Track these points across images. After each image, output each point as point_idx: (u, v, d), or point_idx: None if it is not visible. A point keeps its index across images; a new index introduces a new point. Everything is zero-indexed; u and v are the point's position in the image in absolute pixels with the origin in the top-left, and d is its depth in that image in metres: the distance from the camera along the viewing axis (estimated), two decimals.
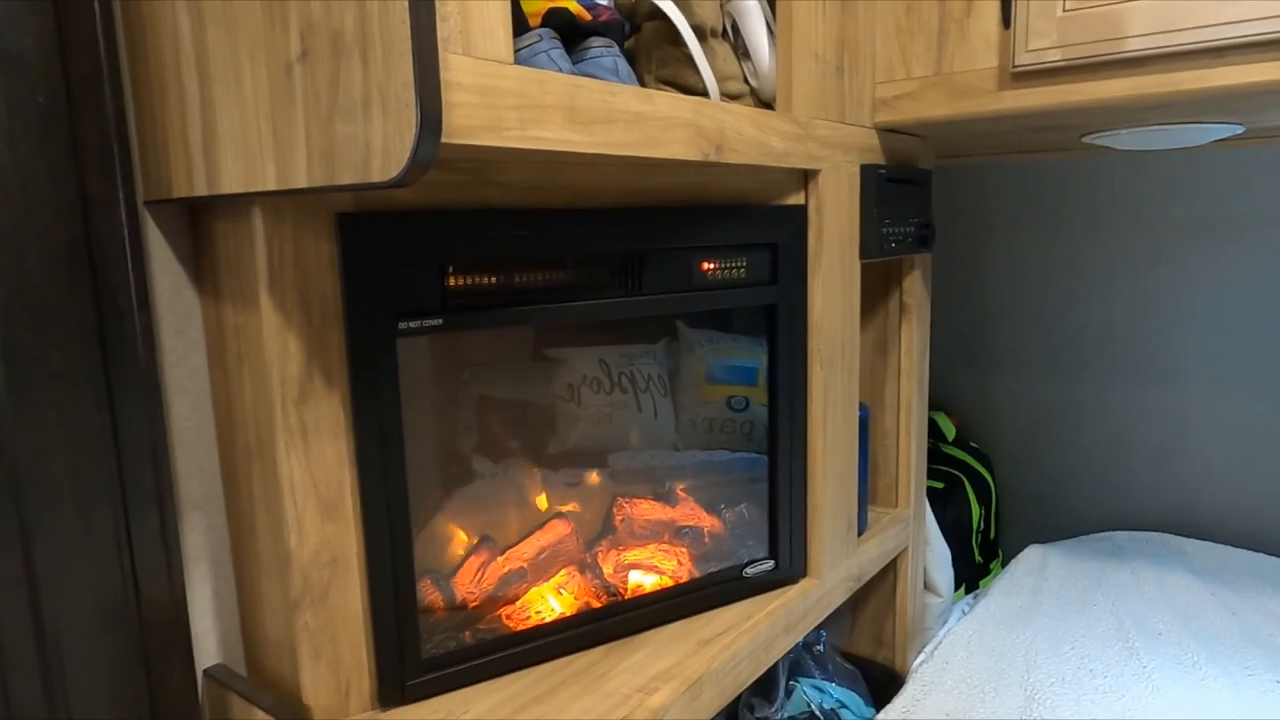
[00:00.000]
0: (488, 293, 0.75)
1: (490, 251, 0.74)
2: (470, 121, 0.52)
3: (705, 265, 0.86)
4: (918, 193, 1.11)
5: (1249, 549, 1.55)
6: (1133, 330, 1.63)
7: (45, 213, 0.58)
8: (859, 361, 1.04)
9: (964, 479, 1.66)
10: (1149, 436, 1.64)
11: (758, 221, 0.89)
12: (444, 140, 0.50)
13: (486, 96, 0.53)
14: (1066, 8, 0.85)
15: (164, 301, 0.71)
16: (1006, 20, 0.90)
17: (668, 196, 0.84)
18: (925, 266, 1.21)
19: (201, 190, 0.63)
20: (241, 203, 0.66)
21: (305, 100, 0.53)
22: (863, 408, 1.09)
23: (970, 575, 1.64)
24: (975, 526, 1.65)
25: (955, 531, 1.62)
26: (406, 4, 0.45)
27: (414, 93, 0.46)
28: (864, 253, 1.00)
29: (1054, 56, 0.87)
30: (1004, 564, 1.73)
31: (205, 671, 0.76)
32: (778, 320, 0.92)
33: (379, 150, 0.49)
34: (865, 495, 1.14)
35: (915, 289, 1.18)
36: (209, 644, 0.77)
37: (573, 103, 0.59)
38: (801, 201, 0.93)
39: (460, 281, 0.73)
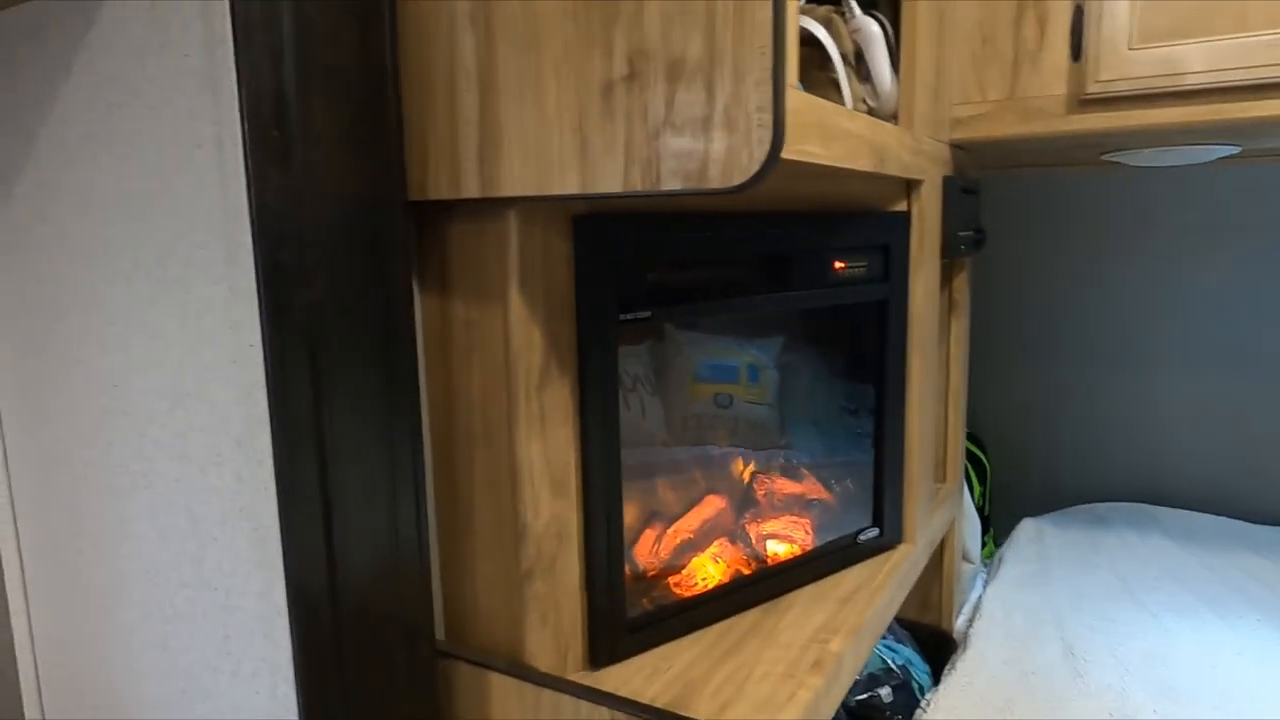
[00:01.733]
0: (678, 286, 0.83)
1: (684, 251, 0.82)
2: None
3: (837, 264, 0.97)
4: (974, 201, 1.24)
5: (1211, 513, 1.77)
6: (1113, 324, 1.84)
7: (346, 209, 0.63)
8: (937, 351, 1.17)
9: (966, 462, 1.83)
10: (1124, 417, 1.86)
11: (874, 226, 1.01)
12: None
13: (789, 116, 0.62)
14: (1133, 45, 1.00)
15: None
16: (1076, 54, 1.05)
17: (805, 204, 0.94)
18: (970, 268, 1.35)
19: (471, 193, 0.69)
20: (493, 207, 0.71)
21: (628, 118, 0.60)
22: None
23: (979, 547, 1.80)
24: (976, 504, 1.82)
25: None
26: (769, 34, 0.54)
27: (770, 114, 0.55)
28: (945, 253, 1.13)
29: (1121, 88, 1.02)
30: (996, 538, 1.90)
31: None
32: (889, 313, 1.03)
33: (720, 162, 0.57)
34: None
35: (962, 287, 1.33)
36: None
37: (821, 120, 0.69)
38: (905, 208, 1.05)
39: (660, 276, 0.81)
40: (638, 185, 0.61)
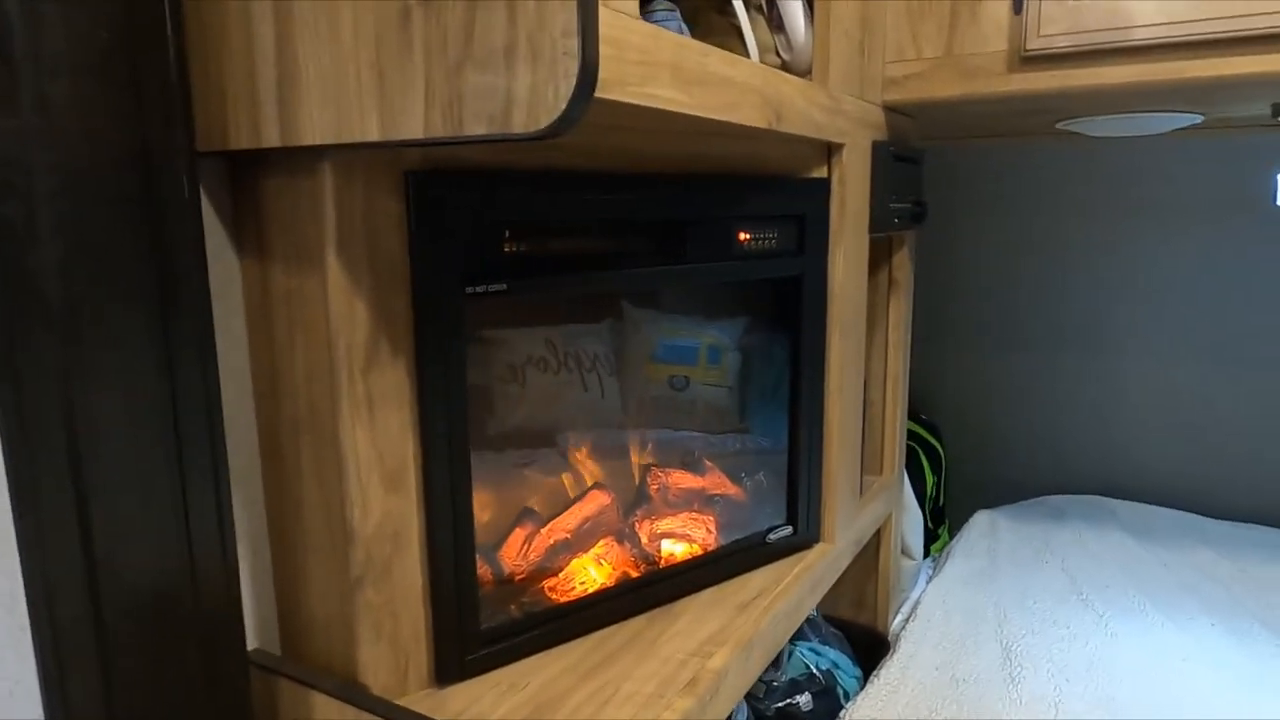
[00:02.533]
0: (545, 256, 0.73)
1: (550, 214, 0.73)
2: (605, 75, 0.51)
3: (742, 235, 0.87)
4: (914, 170, 1.15)
5: (1170, 507, 1.69)
6: (1074, 308, 1.74)
7: (107, 158, 0.53)
8: (865, 330, 1.08)
9: (919, 450, 1.74)
10: (1084, 407, 1.77)
11: (788, 193, 0.91)
12: None
13: (618, 49, 0.52)
14: None
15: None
16: (1018, 6, 0.94)
17: (710, 166, 0.84)
18: (912, 244, 1.25)
19: (272, 141, 0.59)
20: (307, 158, 0.61)
21: (427, 48, 0.50)
22: None
23: (923, 541, 1.72)
24: (928, 495, 1.74)
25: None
26: None
27: (576, 40, 0.45)
28: (874, 227, 1.03)
29: (1063, 43, 0.92)
30: (951, 529, 1.82)
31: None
32: (803, 290, 0.94)
33: (524, 101, 0.47)
34: (861, 463, 1.18)
35: (903, 265, 1.23)
36: (247, 627, 0.73)
37: (679, 61, 0.59)
38: (825, 174, 0.95)
39: (520, 244, 0.71)
40: (439, 130, 0.51)
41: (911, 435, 1.77)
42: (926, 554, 1.71)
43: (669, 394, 0.98)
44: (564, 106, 0.46)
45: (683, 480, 0.92)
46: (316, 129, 0.56)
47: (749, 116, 0.70)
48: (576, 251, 0.75)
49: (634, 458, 0.92)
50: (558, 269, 0.74)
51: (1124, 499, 1.72)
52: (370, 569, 0.67)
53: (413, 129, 0.52)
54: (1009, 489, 1.84)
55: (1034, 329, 1.79)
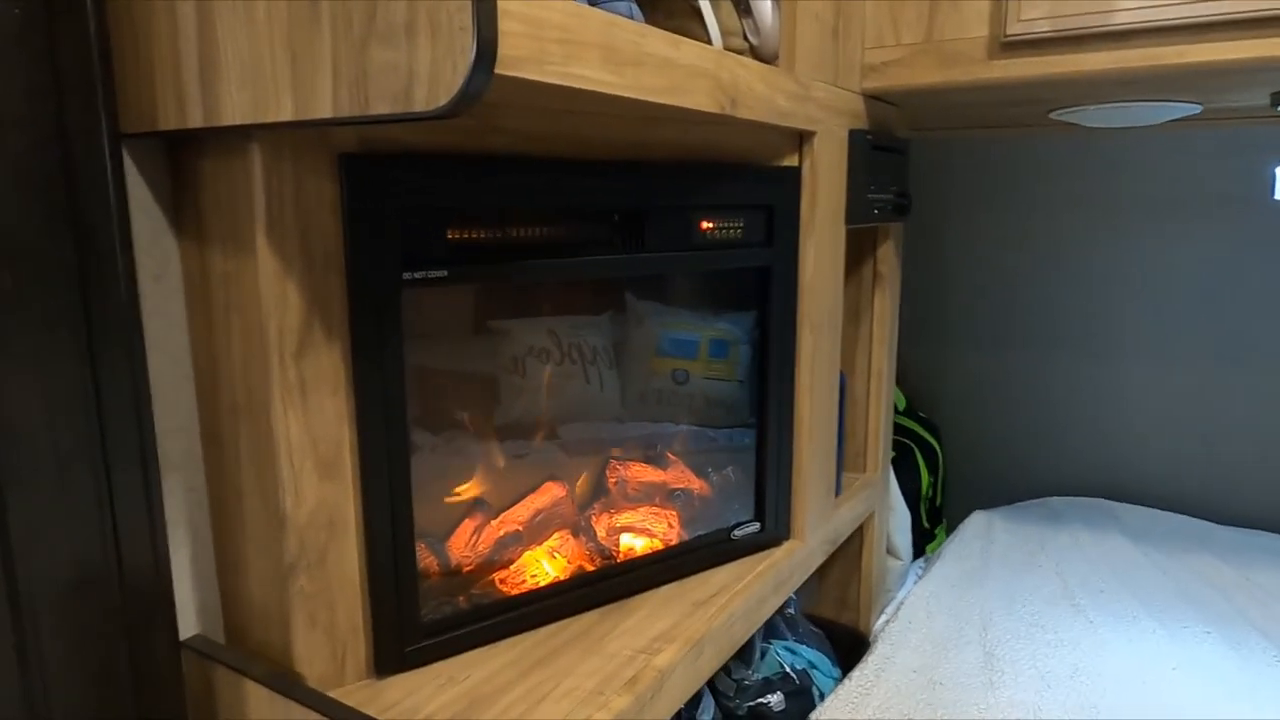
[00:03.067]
0: (490, 244, 0.72)
1: (494, 200, 0.71)
2: (517, 52, 0.49)
3: (704, 224, 0.85)
4: (898, 161, 1.12)
5: (1172, 511, 1.65)
6: (1075, 304, 1.70)
7: (21, 136, 0.53)
8: (841, 327, 1.05)
9: (915, 448, 1.71)
10: (1086, 406, 1.73)
11: (755, 182, 0.89)
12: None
13: (534, 27, 0.50)
14: None
15: (141, 245, 0.66)
16: None
17: (667, 153, 0.82)
18: (898, 236, 1.22)
19: (196, 122, 0.58)
20: (237, 139, 0.61)
21: (333, 24, 0.49)
22: (841, 375, 1.11)
23: (918, 540, 1.69)
24: (924, 494, 1.71)
25: (906, 499, 1.67)
26: None
27: (470, 16, 0.43)
28: (850, 218, 1.01)
29: (1043, 27, 0.89)
30: (949, 530, 1.79)
31: (184, 643, 0.71)
32: (771, 282, 0.91)
33: (425, 78, 0.46)
34: (841, 460, 1.15)
35: (888, 258, 1.20)
36: (187, 614, 0.72)
37: (609, 41, 0.57)
38: (796, 163, 0.93)
39: (463, 230, 0.70)
40: (346, 109, 0.49)
41: (908, 433, 1.74)
42: (922, 554, 1.68)
43: (658, 388, 0.97)
44: (461, 83, 0.44)
45: (642, 474, 0.90)
46: (236, 109, 0.55)
47: (697, 101, 0.68)
48: (523, 239, 0.74)
49: (596, 450, 0.90)
50: (503, 256, 0.72)
51: (1126, 501, 1.68)
52: (304, 557, 0.66)
53: (322, 108, 0.51)
54: (1008, 489, 1.80)
55: (1034, 325, 1.75)
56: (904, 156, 1.14)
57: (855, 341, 1.23)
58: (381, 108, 0.48)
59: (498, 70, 0.48)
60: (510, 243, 0.73)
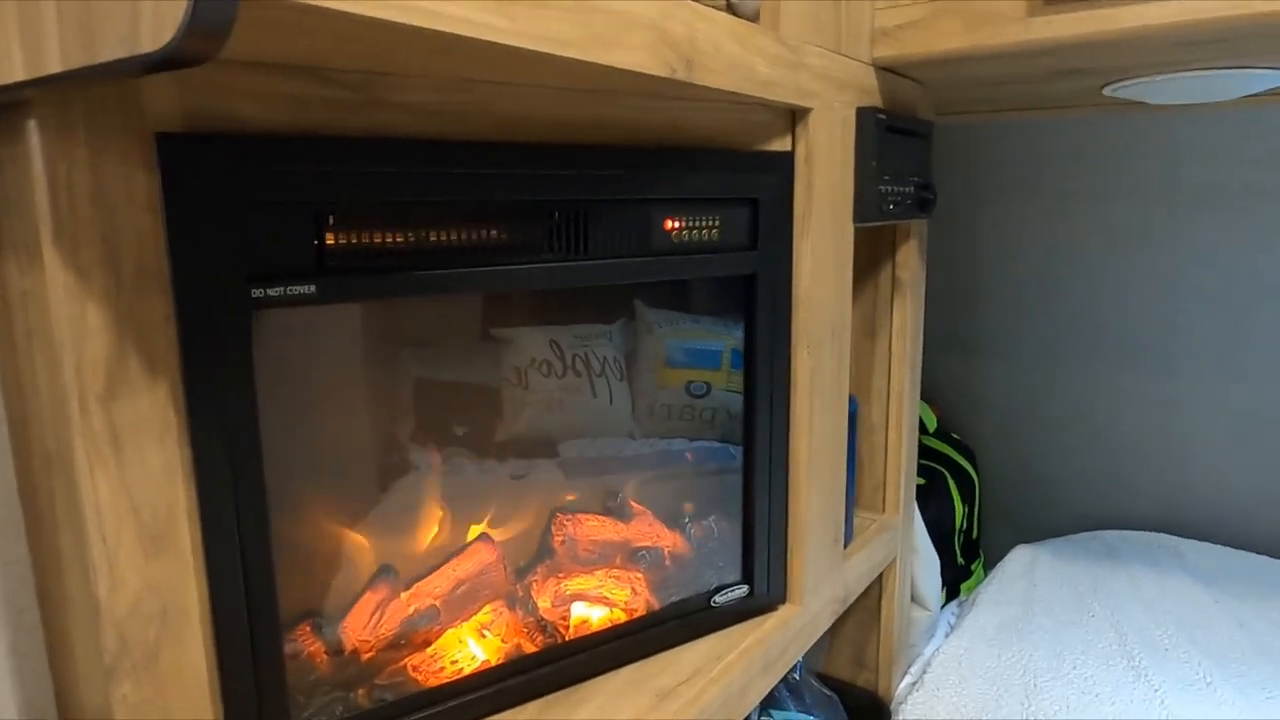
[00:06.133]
0: (380, 250, 0.56)
1: (385, 193, 0.56)
2: None
3: (669, 223, 0.69)
4: (919, 147, 0.94)
5: (1248, 550, 1.43)
6: (1133, 310, 1.50)
7: None
8: (849, 344, 0.88)
9: (946, 474, 1.52)
10: (1145, 427, 1.52)
11: (734, 170, 0.72)
12: None
13: None
14: None
15: None
16: None
17: (622, 135, 0.66)
18: (921, 236, 1.05)
19: None
20: (14, 117, 0.46)
21: None
22: (851, 400, 0.93)
23: (951, 579, 1.51)
24: (958, 526, 1.52)
25: (936, 531, 1.48)
26: None
27: None
28: (859, 215, 0.84)
29: None
30: (987, 565, 1.60)
31: None
32: (757, 293, 0.75)
33: (149, 10, 0.30)
34: (852, 502, 0.98)
35: (910, 262, 1.02)
36: (9, 709, 0.58)
37: None
38: (788, 148, 0.76)
39: (342, 233, 0.55)
40: (76, 59, 0.34)
41: (939, 457, 1.55)
42: (955, 595, 1.50)
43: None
44: (186, 10, 0.28)
45: (597, 530, 0.74)
46: None
47: (634, 59, 0.52)
48: (427, 243, 0.58)
49: (541, 498, 0.74)
50: (398, 265, 0.57)
51: (1192, 537, 1.47)
52: (126, 657, 0.51)
53: (50, 63, 0.35)
54: (1054, 520, 1.60)
55: (1085, 335, 1.55)
56: (927, 141, 0.97)
57: (871, 359, 1.05)
58: (110, 54, 0.33)
59: None
60: (408, 248, 0.57)
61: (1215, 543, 1.45)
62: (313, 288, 0.53)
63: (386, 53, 0.49)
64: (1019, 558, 1.46)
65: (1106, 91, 1.01)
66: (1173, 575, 1.36)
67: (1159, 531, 1.50)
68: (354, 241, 0.55)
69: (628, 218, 0.66)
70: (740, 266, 0.74)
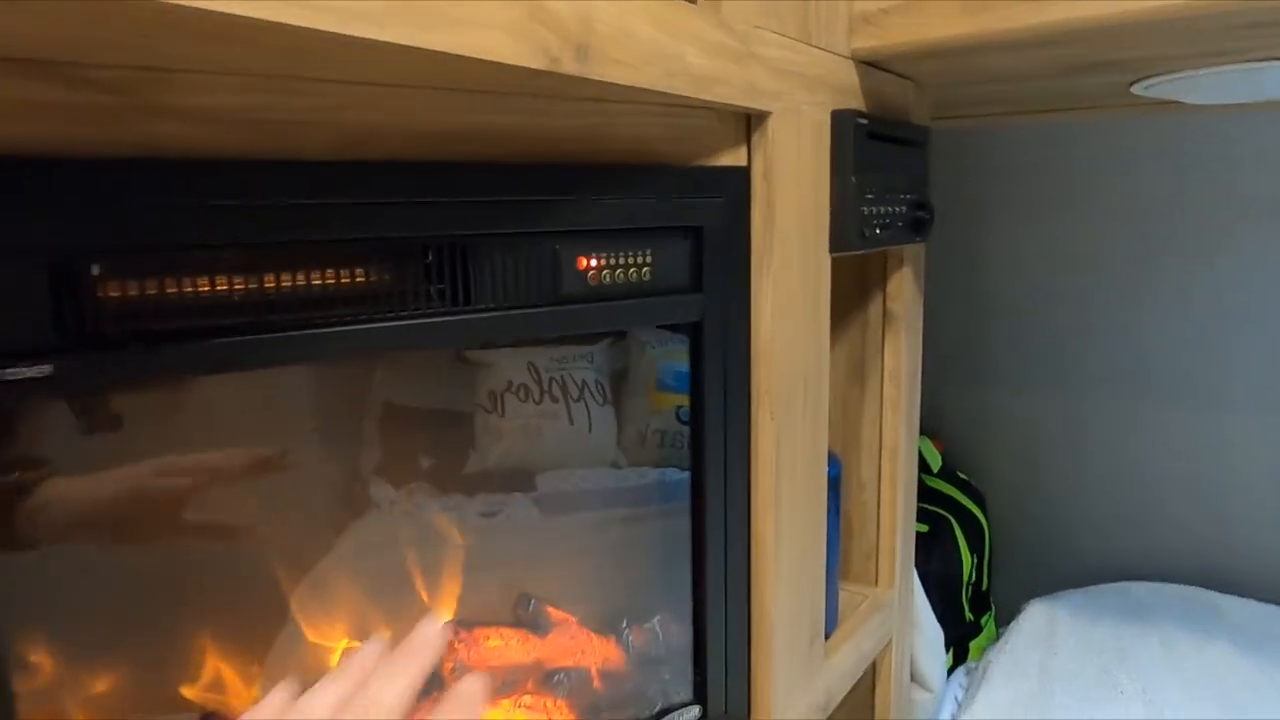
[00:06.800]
0: (170, 308, 0.41)
1: (164, 234, 0.41)
2: None
3: (583, 262, 0.53)
4: (911, 157, 0.79)
5: None
6: (1162, 337, 1.33)
7: None
8: (827, 398, 0.73)
9: (952, 520, 1.36)
10: (1178, 464, 1.35)
11: (670, 192, 0.57)
12: None
13: None
14: None
15: None
16: None
17: (518, 148, 0.50)
18: (917, 262, 0.89)
19: None
20: None
21: None
22: (832, 461, 0.78)
23: (959, 636, 1.35)
24: (965, 578, 1.36)
25: (942, 585, 1.33)
26: None
27: None
28: (836, 243, 0.69)
29: None
30: (998, 620, 1.44)
31: None
32: (703, 347, 0.59)
33: None
34: (835, 579, 0.83)
35: (904, 292, 0.87)
36: None
37: None
38: (742, 162, 0.61)
39: (102, 290, 0.40)
40: None
41: (944, 501, 1.40)
42: (964, 656, 1.34)
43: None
44: None
45: (501, 651, 0.59)
46: None
47: (494, 46, 0.37)
48: (236, 296, 0.43)
49: (427, 604, 0.59)
50: (193, 331, 0.42)
51: (1233, 593, 1.30)
52: None
53: None
54: (1074, 569, 1.44)
55: (1107, 365, 1.38)
56: (921, 150, 0.81)
57: (860, 407, 0.90)
58: None
59: None
60: (202, 305, 0.42)
61: (1260, 600, 1.28)
62: (49, 368, 0.38)
63: (152, 42, 0.35)
64: (1034, 616, 1.30)
65: (1135, 89, 0.85)
66: (1214, 640, 1.19)
67: (1195, 585, 1.33)
68: (118, 300, 0.40)
69: (527, 256, 0.51)
70: (680, 314, 0.58)
